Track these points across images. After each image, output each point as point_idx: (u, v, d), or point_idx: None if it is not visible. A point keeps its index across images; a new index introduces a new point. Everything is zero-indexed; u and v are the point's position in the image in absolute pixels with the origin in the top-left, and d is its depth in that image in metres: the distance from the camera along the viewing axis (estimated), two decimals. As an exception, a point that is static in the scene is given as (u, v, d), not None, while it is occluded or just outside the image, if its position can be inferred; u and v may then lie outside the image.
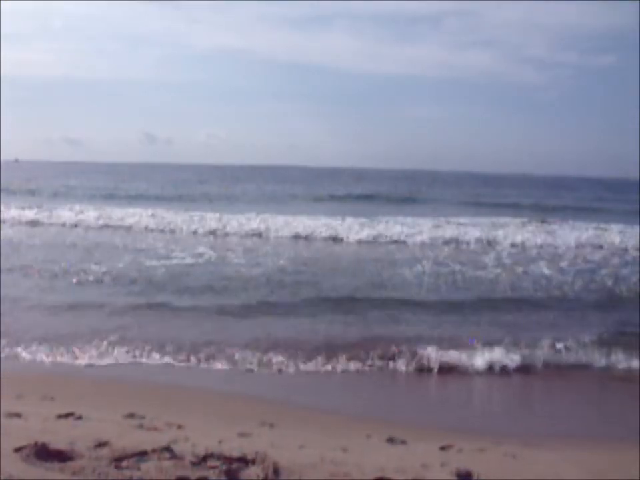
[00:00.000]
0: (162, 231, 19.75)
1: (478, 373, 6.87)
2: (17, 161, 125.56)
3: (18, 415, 4.69)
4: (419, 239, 18.43)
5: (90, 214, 22.32)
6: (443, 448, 4.52)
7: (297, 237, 18.74)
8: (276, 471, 3.76)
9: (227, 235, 19.09)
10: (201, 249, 15.44)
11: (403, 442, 4.64)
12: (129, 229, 20.07)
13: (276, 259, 14.28)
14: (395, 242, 18.13)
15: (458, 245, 17.89)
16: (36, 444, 3.89)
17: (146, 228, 20.17)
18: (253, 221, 20.81)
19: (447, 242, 18.10)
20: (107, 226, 20.49)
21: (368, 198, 37.79)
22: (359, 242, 18.19)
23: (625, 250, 17.72)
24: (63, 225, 20.76)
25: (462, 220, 23.37)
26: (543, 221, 23.96)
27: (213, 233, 19.28)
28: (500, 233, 19.41)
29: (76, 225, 20.65)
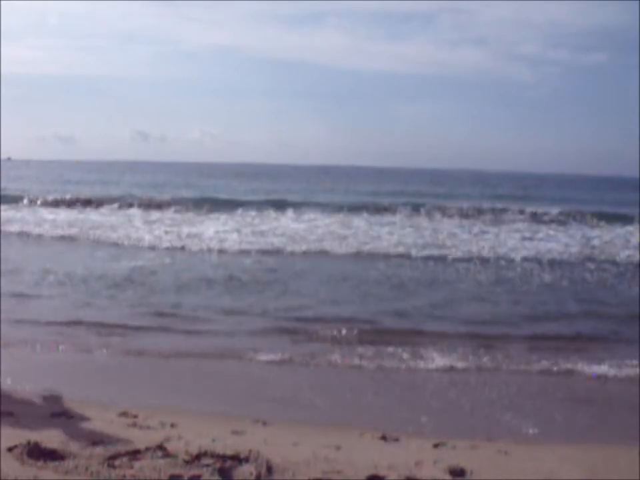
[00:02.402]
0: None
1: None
2: (9, 159, 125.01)
3: (10, 414, 4.68)
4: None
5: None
6: (436, 445, 4.53)
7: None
8: (269, 469, 3.77)
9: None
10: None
11: (396, 439, 4.65)
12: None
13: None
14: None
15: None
16: (29, 443, 3.89)
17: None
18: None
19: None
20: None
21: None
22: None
23: None
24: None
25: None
26: None
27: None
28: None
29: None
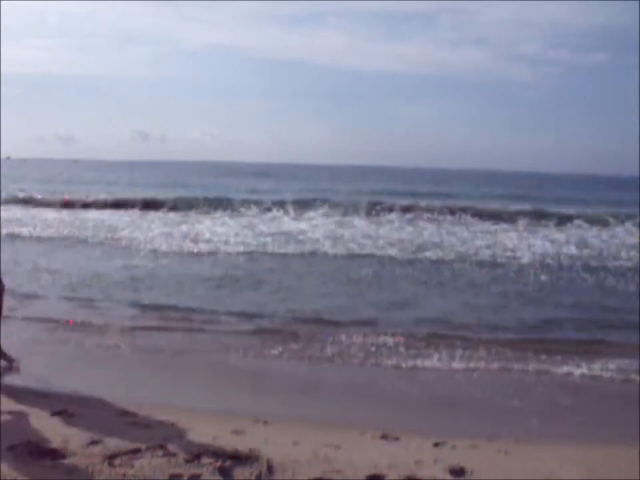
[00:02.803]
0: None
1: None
2: (8, 158, 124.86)
3: (11, 413, 4.68)
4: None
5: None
6: (436, 444, 4.53)
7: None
8: (269, 468, 3.78)
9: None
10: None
11: (397, 439, 4.65)
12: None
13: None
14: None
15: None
16: (29, 442, 3.90)
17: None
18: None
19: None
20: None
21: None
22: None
23: None
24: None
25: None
26: None
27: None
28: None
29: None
